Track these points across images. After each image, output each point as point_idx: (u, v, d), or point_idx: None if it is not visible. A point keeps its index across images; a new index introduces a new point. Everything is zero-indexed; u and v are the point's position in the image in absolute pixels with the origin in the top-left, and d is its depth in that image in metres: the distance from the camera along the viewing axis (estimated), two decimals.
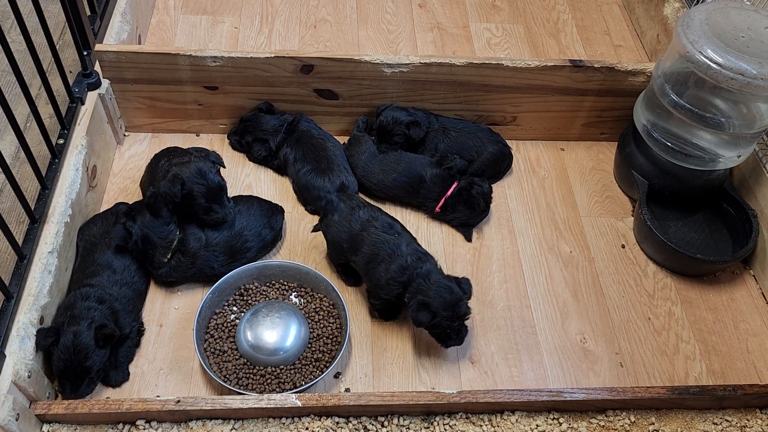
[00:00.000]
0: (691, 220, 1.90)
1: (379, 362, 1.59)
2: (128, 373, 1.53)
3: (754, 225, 1.76)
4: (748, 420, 1.50)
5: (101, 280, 1.53)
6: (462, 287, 1.50)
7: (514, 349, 1.64)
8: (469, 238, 1.86)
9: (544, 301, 1.74)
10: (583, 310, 1.72)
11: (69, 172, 1.63)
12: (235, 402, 1.40)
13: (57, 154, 1.64)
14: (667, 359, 1.64)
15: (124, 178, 1.91)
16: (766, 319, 1.73)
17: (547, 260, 1.83)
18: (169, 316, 1.64)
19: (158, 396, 1.44)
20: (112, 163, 1.94)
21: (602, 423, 1.48)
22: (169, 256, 1.60)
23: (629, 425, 1.47)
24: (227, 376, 1.51)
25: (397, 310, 1.64)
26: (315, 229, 1.82)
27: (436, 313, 1.46)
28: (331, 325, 1.61)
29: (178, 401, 1.38)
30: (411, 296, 1.49)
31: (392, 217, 1.65)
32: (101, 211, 1.76)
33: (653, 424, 1.48)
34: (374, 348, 1.62)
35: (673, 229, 1.87)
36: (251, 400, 1.40)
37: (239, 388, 1.47)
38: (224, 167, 1.71)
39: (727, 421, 1.49)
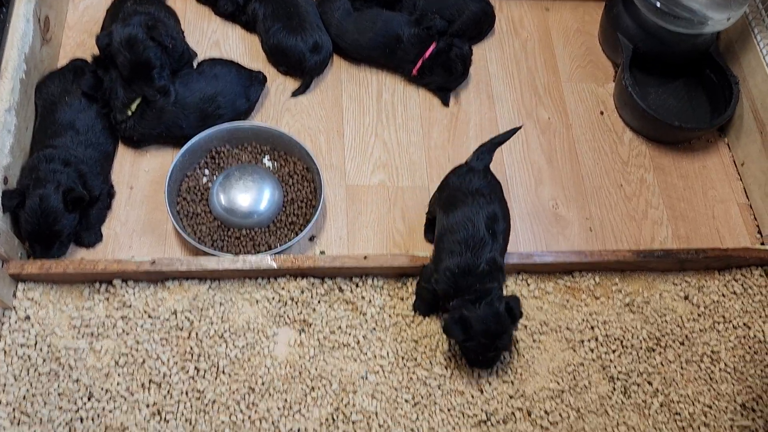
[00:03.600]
0: (671, 86, 1.86)
1: (354, 226, 1.61)
2: (101, 235, 1.52)
3: (735, 92, 1.74)
4: (706, 281, 1.57)
5: (64, 141, 1.47)
6: (512, 313, 1.31)
7: None
8: (446, 103, 1.81)
9: (520, 168, 1.74)
10: (557, 177, 1.73)
11: (19, 23, 1.50)
12: (210, 263, 1.41)
13: (3, 2, 1.50)
14: (635, 224, 1.68)
15: (80, 31, 1.78)
16: (735, 186, 1.76)
17: (524, 126, 1.80)
18: (139, 178, 1.61)
19: (133, 257, 1.44)
20: (66, 14, 1.79)
21: (568, 284, 1.53)
22: (129, 113, 1.54)
23: (594, 286, 1.53)
24: (202, 238, 1.51)
25: (434, 308, 1.45)
26: (294, 94, 1.76)
27: (473, 337, 1.29)
28: (305, 189, 1.60)
29: (154, 262, 1.39)
30: (456, 306, 1.31)
31: (505, 211, 1.40)
32: (58, 67, 1.65)
33: (617, 284, 1.54)
34: (349, 212, 1.62)
35: (653, 96, 1.84)
36: (227, 262, 1.41)
37: (214, 250, 1.48)
38: (168, 45, 1.52)
39: (686, 282, 1.57)
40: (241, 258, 1.42)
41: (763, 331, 1.51)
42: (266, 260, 1.42)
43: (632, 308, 1.52)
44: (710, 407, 1.42)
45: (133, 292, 1.41)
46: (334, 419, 1.33)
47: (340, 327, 1.43)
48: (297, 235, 1.52)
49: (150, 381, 1.33)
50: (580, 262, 1.51)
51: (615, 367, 1.44)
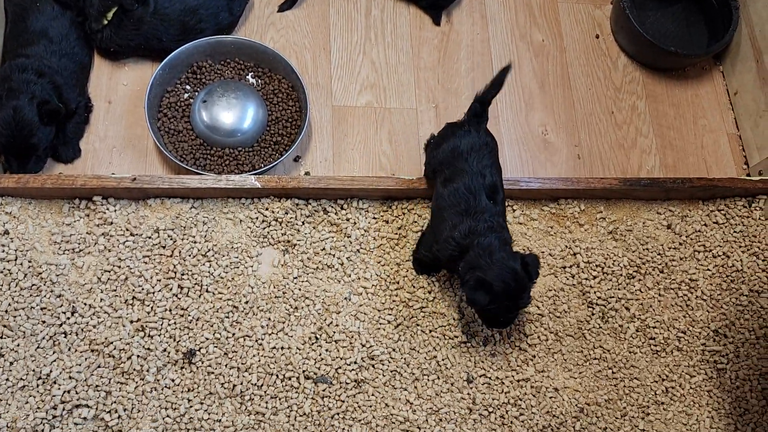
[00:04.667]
0: (670, 10, 1.80)
1: (340, 147, 1.58)
2: (79, 150, 1.48)
3: (734, 17, 1.69)
4: (689, 210, 1.58)
5: (38, 51, 1.41)
6: (528, 269, 1.24)
7: None
8: (437, 22, 1.74)
9: (510, 92, 1.70)
10: (548, 102, 1.70)
11: None
12: (193, 181, 1.39)
13: None
14: (623, 152, 1.66)
15: None
16: (726, 116, 1.74)
17: (517, 48, 1.75)
18: (118, 92, 1.55)
19: (113, 173, 1.41)
20: None
21: (553, 210, 1.53)
22: (105, 22, 1.46)
23: (578, 213, 1.53)
24: (184, 156, 1.48)
25: (437, 269, 1.42)
26: (281, 9, 1.68)
27: (496, 299, 1.22)
28: (290, 108, 1.56)
29: (134, 179, 1.36)
30: (466, 269, 1.25)
31: (501, 178, 1.35)
32: None
33: (601, 212, 1.54)
34: (335, 133, 1.59)
35: (651, 20, 1.78)
36: (209, 180, 1.39)
37: (197, 169, 1.45)
38: None
39: (670, 211, 1.57)
40: (225, 177, 1.39)
41: (741, 260, 1.54)
42: (250, 180, 1.40)
43: (615, 236, 1.53)
44: (684, 333, 1.46)
45: (114, 209, 1.39)
46: (317, 338, 1.35)
47: (324, 248, 1.43)
48: (281, 155, 1.49)
49: (133, 298, 1.34)
50: (567, 189, 1.50)
51: (595, 292, 1.46)
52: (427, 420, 1.31)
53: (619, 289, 1.47)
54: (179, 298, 1.34)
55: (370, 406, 1.31)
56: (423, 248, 1.39)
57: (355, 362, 1.34)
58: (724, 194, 1.59)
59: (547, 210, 1.53)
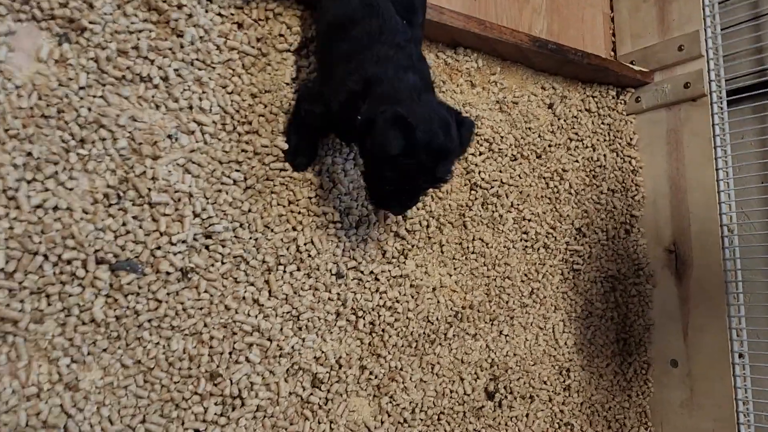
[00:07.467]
0: None
1: None
2: None
3: None
4: (569, 91, 1.38)
5: None
6: (461, 131, 0.83)
7: None
8: None
9: None
10: None
11: None
12: None
13: None
14: (517, 6, 1.36)
15: None
16: None
17: None
18: None
19: None
20: None
21: (449, 61, 1.18)
22: None
23: (474, 71, 1.21)
24: None
25: (315, 147, 0.96)
26: None
27: (416, 145, 0.78)
28: None
29: None
30: (374, 105, 0.81)
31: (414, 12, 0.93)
32: None
33: (496, 75, 1.24)
34: None
35: None
36: None
37: None
38: None
39: (553, 88, 1.35)
40: None
41: (605, 155, 1.41)
42: None
43: (503, 107, 1.25)
44: (554, 229, 1.29)
45: None
46: (119, 197, 0.80)
47: (136, 46, 0.84)
48: None
49: None
50: (474, 33, 1.14)
51: (479, 173, 1.18)
52: (282, 329, 0.91)
53: (502, 172, 1.22)
54: None
55: (201, 309, 0.85)
56: (306, 102, 0.91)
57: (184, 241, 0.84)
58: (601, 80, 1.42)
59: (443, 58, 1.17)
